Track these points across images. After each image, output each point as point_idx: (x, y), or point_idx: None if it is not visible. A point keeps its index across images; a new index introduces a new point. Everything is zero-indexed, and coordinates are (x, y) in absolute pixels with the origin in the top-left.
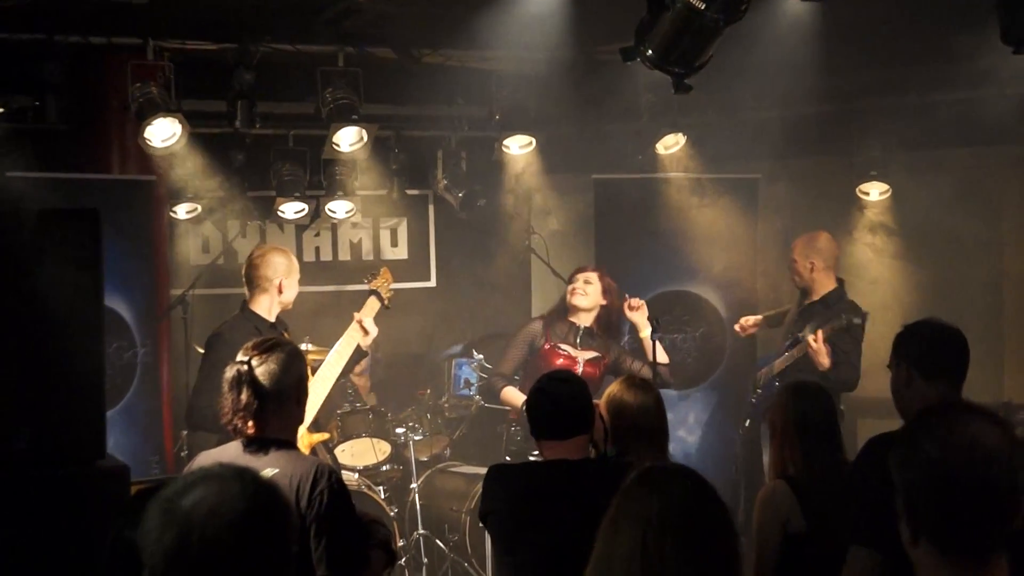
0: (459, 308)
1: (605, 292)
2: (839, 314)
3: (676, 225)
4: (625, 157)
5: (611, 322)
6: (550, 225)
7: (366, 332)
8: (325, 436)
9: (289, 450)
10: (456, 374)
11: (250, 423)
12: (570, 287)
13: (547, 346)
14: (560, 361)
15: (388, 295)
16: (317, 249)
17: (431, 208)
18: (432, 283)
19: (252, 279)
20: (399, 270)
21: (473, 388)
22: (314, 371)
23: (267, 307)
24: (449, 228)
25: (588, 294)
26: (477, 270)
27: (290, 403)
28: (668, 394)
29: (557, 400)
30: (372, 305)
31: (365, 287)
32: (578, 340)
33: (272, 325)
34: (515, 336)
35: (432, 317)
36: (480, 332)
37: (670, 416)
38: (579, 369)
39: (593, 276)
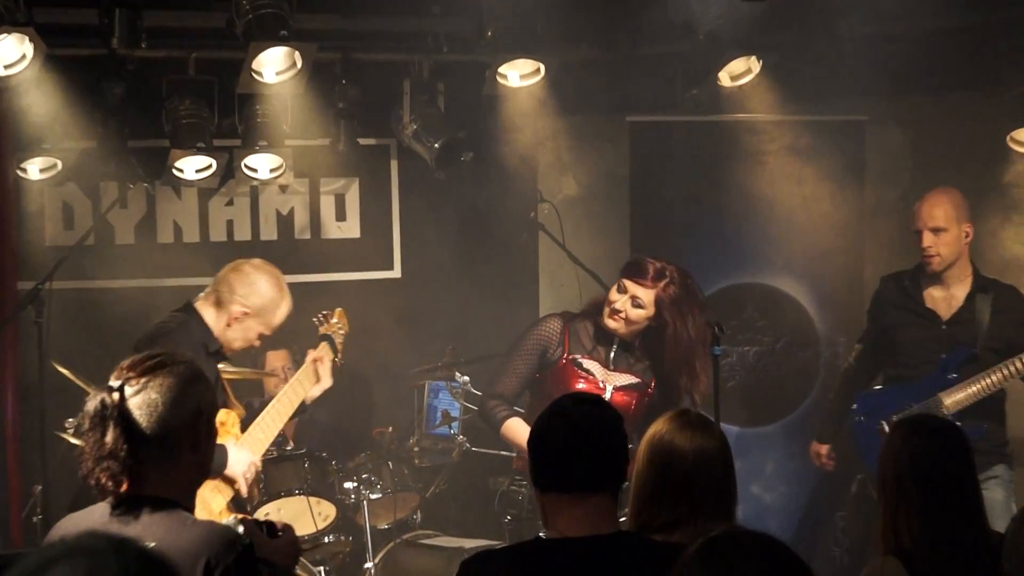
0: (435, 310)
1: (664, 308)
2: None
3: (746, 189)
4: (673, 92)
5: (672, 351)
6: (566, 189)
7: (319, 379)
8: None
9: (171, 512)
10: (431, 404)
11: (121, 478)
12: (609, 302)
13: (563, 360)
14: (580, 385)
15: (341, 345)
16: (230, 224)
17: (394, 165)
18: (395, 273)
19: (219, 281)
20: (349, 254)
21: (455, 425)
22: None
23: (213, 323)
24: (420, 194)
25: (633, 319)
26: (461, 254)
27: (181, 449)
28: (734, 432)
29: (580, 428)
30: (326, 353)
31: (317, 329)
32: (611, 356)
33: (219, 351)
34: (521, 340)
35: (395, 323)
36: (464, 344)
37: (738, 465)
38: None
39: (646, 292)
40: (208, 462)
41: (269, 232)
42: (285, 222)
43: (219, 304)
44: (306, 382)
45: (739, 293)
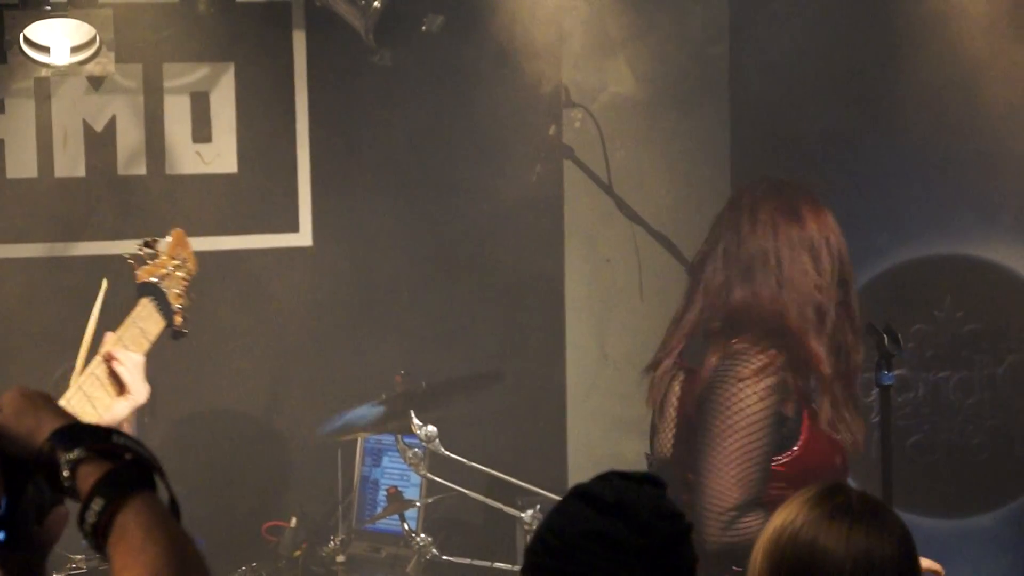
0: (373, 305)
1: None
2: None
3: (940, 83)
4: None
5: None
6: (614, 84)
7: (124, 391)
8: None
9: None
10: (367, 476)
11: None
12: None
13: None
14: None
15: (181, 301)
16: None
17: (299, 40)
18: (302, 239)
19: None
20: (217, 205)
21: (413, 516)
22: None
23: None
24: (347, 95)
25: None
26: (420, 206)
27: None
28: (921, 527)
29: (632, 518)
30: (145, 323)
31: (132, 268)
32: None
33: None
34: (735, 399)
35: (302, 328)
36: (427, 367)
37: None
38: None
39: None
40: None
41: (71, 163)
42: (100, 145)
43: None
44: (98, 392)
45: (928, 274)
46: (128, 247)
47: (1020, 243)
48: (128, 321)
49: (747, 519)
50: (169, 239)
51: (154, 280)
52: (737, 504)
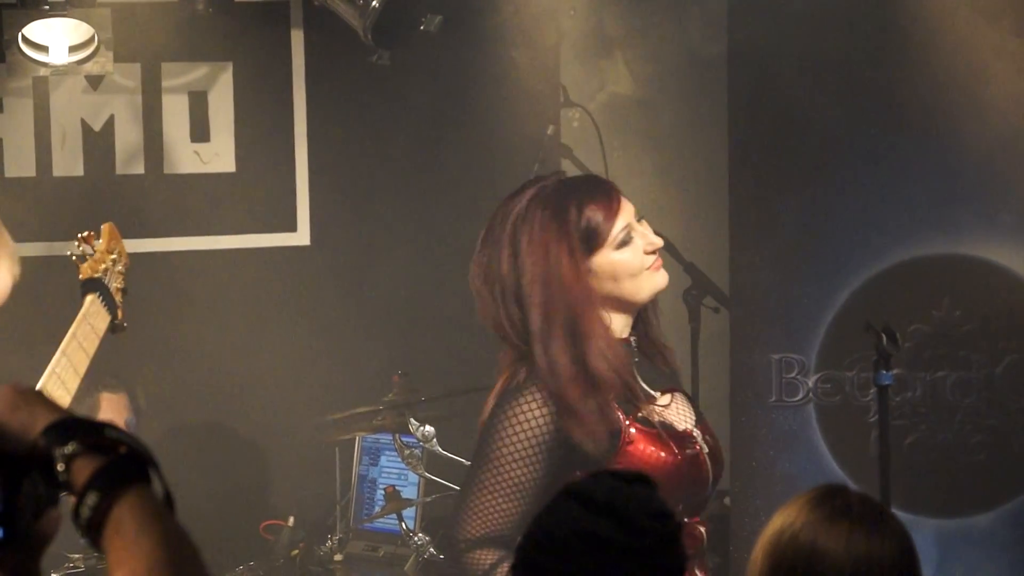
0: (371, 305)
1: None
2: None
3: (942, 83)
4: None
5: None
6: (612, 84)
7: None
8: None
9: None
10: (365, 476)
11: None
12: (639, 252)
13: (629, 425)
14: (660, 452)
15: (120, 295)
16: None
17: (297, 39)
18: (300, 238)
19: None
20: (216, 203)
21: (411, 515)
22: None
23: None
24: (344, 93)
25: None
26: (418, 205)
27: None
28: (922, 527)
29: (622, 517)
30: (94, 319)
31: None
32: (634, 370)
33: None
34: (500, 409)
35: (300, 327)
36: (425, 369)
37: None
38: (710, 470)
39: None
40: None
41: (70, 162)
42: (99, 144)
43: None
44: (75, 365)
45: (925, 275)
46: (128, 246)
47: (1019, 243)
48: (80, 317)
49: (479, 554)
50: (105, 230)
51: (98, 276)
52: (470, 537)
